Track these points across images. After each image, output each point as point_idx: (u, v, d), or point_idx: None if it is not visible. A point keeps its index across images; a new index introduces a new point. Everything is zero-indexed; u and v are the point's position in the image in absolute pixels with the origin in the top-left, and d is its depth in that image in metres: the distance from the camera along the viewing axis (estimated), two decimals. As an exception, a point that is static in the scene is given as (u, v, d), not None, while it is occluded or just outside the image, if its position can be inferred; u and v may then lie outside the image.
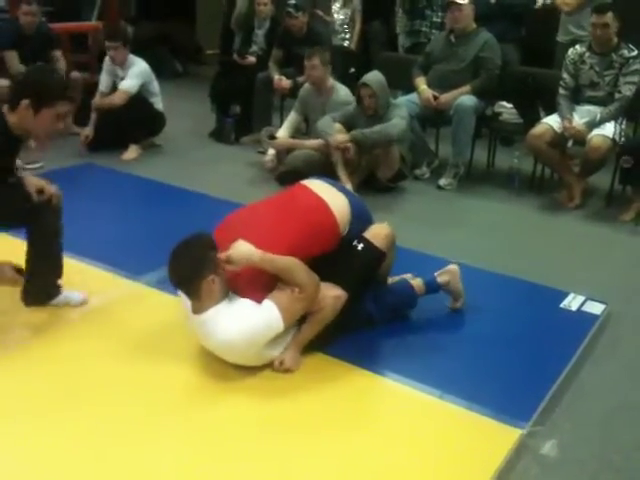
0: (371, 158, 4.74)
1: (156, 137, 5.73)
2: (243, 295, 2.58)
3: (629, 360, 2.91)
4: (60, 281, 3.08)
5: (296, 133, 5.31)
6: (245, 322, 2.50)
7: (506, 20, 5.78)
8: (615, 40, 4.54)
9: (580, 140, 4.57)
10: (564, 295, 3.33)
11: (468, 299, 3.15)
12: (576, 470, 2.27)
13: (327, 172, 4.27)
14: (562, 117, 4.63)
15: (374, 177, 4.81)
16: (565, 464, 2.29)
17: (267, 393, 2.55)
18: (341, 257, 2.80)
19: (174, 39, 9.01)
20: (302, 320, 2.69)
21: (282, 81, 5.66)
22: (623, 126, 4.61)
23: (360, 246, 2.83)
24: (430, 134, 5.54)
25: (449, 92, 4.98)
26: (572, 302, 3.28)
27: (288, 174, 4.64)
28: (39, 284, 3.01)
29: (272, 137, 5.16)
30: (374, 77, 4.65)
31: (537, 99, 5.10)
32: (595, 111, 4.56)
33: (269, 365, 2.65)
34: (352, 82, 5.15)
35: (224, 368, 2.62)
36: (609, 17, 4.46)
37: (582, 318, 3.16)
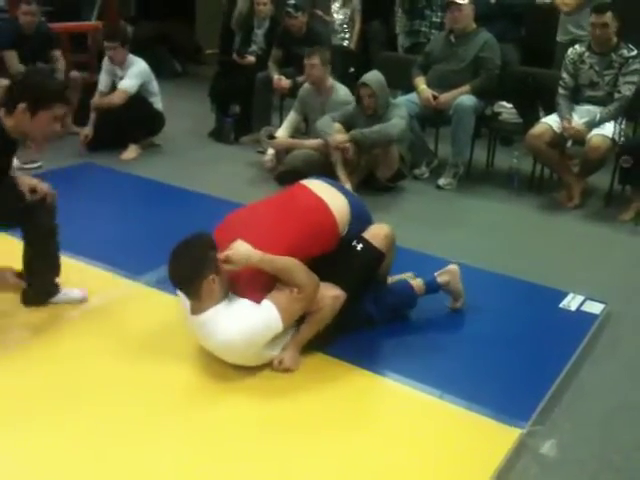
0: (370, 158, 4.74)
1: (155, 137, 5.72)
2: (242, 295, 2.58)
3: (629, 360, 2.91)
4: (58, 279, 3.08)
5: (295, 133, 5.31)
6: (244, 322, 2.50)
7: (506, 20, 5.79)
8: (614, 40, 4.54)
9: (579, 140, 4.57)
10: (563, 295, 3.34)
11: (468, 299, 3.16)
12: (576, 470, 2.27)
13: (326, 172, 4.27)
14: (561, 117, 4.63)
15: (373, 177, 4.81)
16: (565, 464, 2.29)
17: (267, 393, 2.55)
18: (340, 257, 2.80)
19: (173, 39, 9.01)
20: (301, 320, 2.69)
21: (282, 81, 5.66)
22: (623, 126, 4.61)
23: (359, 246, 2.83)
24: (429, 134, 5.54)
25: (449, 92, 4.98)
26: (571, 302, 3.28)
27: (287, 174, 4.64)
28: (38, 284, 3.01)
29: (271, 137, 5.16)
30: (374, 77, 4.65)
31: (537, 99, 5.10)
32: (595, 111, 4.56)
33: (269, 365, 2.65)
34: (351, 82, 5.15)
35: (224, 368, 2.62)
36: (608, 17, 4.46)
37: (581, 318, 3.16)
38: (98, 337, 2.88)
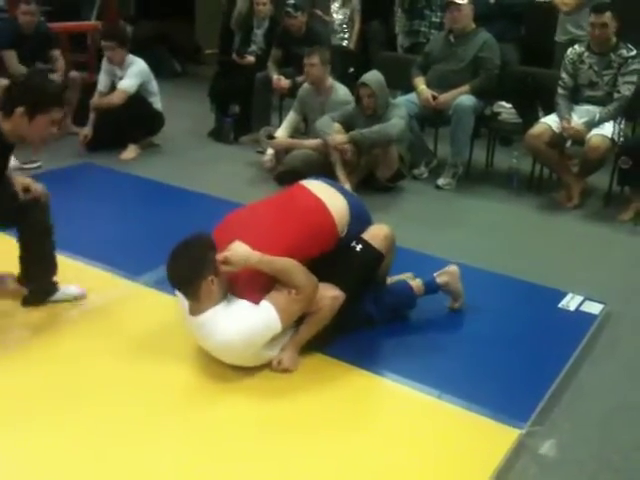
0: (370, 158, 4.74)
1: (155, 137, 5.72)
2: (241, 296, 2.58)
3: (628, 360, 2.91)
4: (56, 277, 3.08)
5: (295, 133, 5.31)
6: (243, 323, 2.50)
7: (505, 20, 5.78)
8: (614, 40, 4.55)
9: (579, 140, 4.57)
10: (562, 295, 3.34)
11: (467, 299, 3.16)
12: (575, 470, 2.27)
13: (326, 172, 4.27)
14: (561, 117, 4.63)
15: (373, 177, 4.81)
16: (564, 464, 2.29)
17: (266, 393, 2.55)
18: (340, 258, 2.80)
19: (173, 39, 9.01)
20: (300, 320, 2.69)
21: (281, 81, 5.66)
22: (622, 126, 4.61)
23: (359, 247, 2.83)
24: (429, 134, 5.54)
25: (448, 92, 4.98)
26: (570, 302, 3.28)
27: (287, 174, 4.64)
28: (36, 284, 3.01)
29: (271, 137, 5.16)
30: (373, 77, 4.65)
31: (536, 99, 5.10)
32: (594, 111, 4.56)
33: (268, 365, 2.65)
34: (351, 82, 5.15)
35: (223, 368, 2.62)
36: (608, 17, 4.46)
37: (580, 318, 3.16)
38: (97, 337, 2.88)
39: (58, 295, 3.09)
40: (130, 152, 5.44)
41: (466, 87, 4.97)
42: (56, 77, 5.63)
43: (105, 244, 3.71)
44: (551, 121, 4.66)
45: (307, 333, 2.70)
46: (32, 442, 2.26)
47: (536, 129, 4.65)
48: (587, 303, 3.27)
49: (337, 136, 4.63)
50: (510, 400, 2.56)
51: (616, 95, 4.55)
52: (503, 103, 5.39)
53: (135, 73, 5.38)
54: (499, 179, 5.19)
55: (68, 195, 4.46)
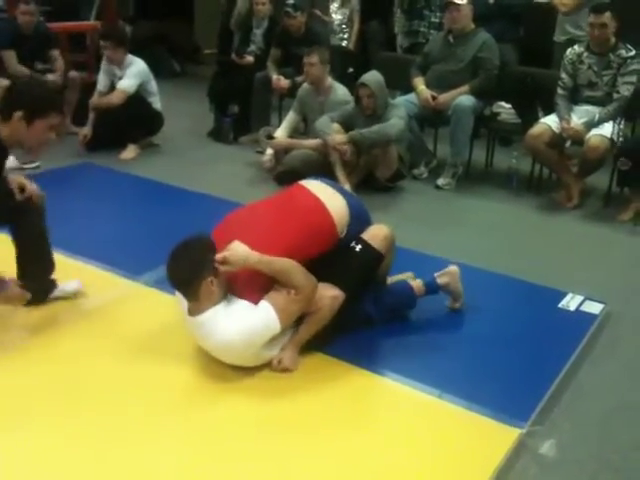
0: (369, 158, 4.74)
1: (154, 137, 5.72)
2: (240, 296, 2.58)
3: (628, 360, 2.91)
4: (54, 275, 3.08)
5: (294, 133, 5.31)
6: (243, 323, 2.50)
7: (504, 20, 5.79)
8: (613, 40, 4.55)
9: (578, 140, 4.57)
10: (562, 295, 3.34)
11: (467, 299, 3.15)
12: (575, 470, 2.27)
13: (325, 172, 4.28)
14: (560, 117, 4.63)
15: (372, 177, 4.81)
16: (564, 464, 2.29)
17: (266, 393, 2.55)
18: (339, 258, 2.80)
19: (172, 39, 9.01)
20: (300, 320, 2.69)
21: (280, 81, 5.67)
22: (621, 126, 4.61)
23: (358, 247, 2.83)
24: (428, 134, 5.55)
25: (447, 92, 4.99)
26: (570, 302, 3.28)
27: (286, 174, 4.64)
28: (35, 285, 3.00)
29: (270, 137, 5.16)
30: (372, 77, 4.65)
31: (535, 99, 5.11)
32: (593, 111, 4.57)
33: (268, 365, 2.65)
34: (350, 82, 5.15)
35: (223, 368, 2.62)
36: (607, 17, 4.46)
37: (581, 318, 3.16)
38: (97, 337, 2.88)
39: (57, 292, 3.09)
40: (129, 152, 5.44)
41: (465, 87, 4.97)
42: (55, 77, 5.65)
43: (105, 244, 3.71)
44: (551, 121, 4.66)
45: (307, 333, 2.70)
46: (32, 442, 2.26)
47: (536, 129, 4.65)
48: (587, 303, 3.27)
49: (336, 136, 4.63)
50: (510, 400, 2.56)
51: (615, 95, 4.55)
52: (502, 103, 5.40)
53: (134, 73, 5.38)
54: (499, 179, 5.19)
55: (68, 195, 4.47)
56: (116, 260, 3.50)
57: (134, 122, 5.37)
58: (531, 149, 4.78)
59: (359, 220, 2.92)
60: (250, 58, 6.11)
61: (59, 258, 3.17)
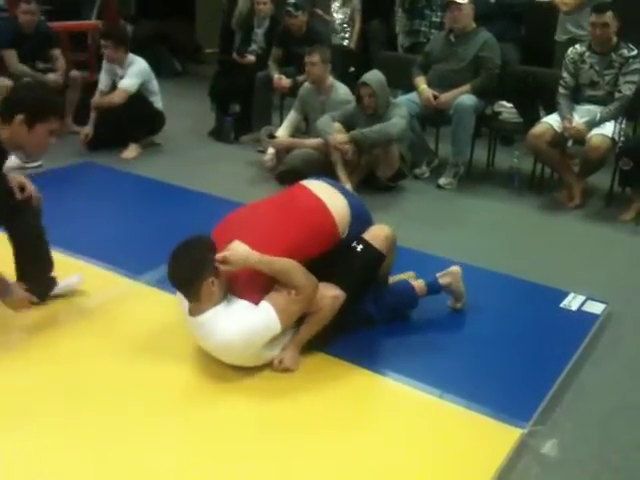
0: (371, 157, 4.74)
1: (156, 136, 5.72)
2: (240, 296, 2.57)
3: (629, 360, 2.91)
4: (53, 273, 3.08)
5: (296, 132, 5.30)
6: (243, 323, 2.50)
7: (506, 19, 5.79)
8: (615, 39, 4.54)
9: (580, 140, 4.57)
10: (564, 295, 3.33)
11: (468, 299, 3.15)
12: (576, 470, 2.27)
13: (327, 171, 4.28)
14: (562, 117, 4.63)
15: (374, 176, 4.81)
16: (565, 464, 2.29)
17: (267, 393, 2.55)
18: (340, 258, 2.80)
19: (173, 38, 9.01)
20: (301, 320, 2.68)
21: (282, 80, 5.66)
22: (623, 125, 4.61)
23: (359, 247, 2.83)
24: (430, 133, 5.54)
25: (449, 91, 4.98)
26: (572, 302, 3.28)
27: (288, 173, 4.64)
28: (35, 285, 3.00)
29: (272, 136, 5.16)
30: (374, 76, 4.65)
31: (537, 98, 5.10)
32: (595, 110, 4.56)
33: (269, 365, 2.65)
34: (352, 81, 5.15)
35: (223, 368, 2.61)
36: (609, 16, 4.45)
37: (582, 318, 3.16)
38: (98, 336, 2.88)
39: (57, 290, 3.09)
40: (131, 151, 5.44)
41: (467, 87, 4.97)
42: (57, 76, 5.65)
43: (106, 243, 3.71)
44: (552, 121, 4.66)
45: (308, 333, 2.70)
46: (32, 442, 2.26)
47: (538, 129, 4.65)
48: (589, 303, 3.26)
49: (338, 135, 4.62)
50: (512, 400, 2.55)
51: (617, 95, 4.55)
52: (504, 103, 5.39)
53: (136, 72, 5.38)
54: (500, 179, 5.19)
55: (69, 194, 4.48)
56: (117, 259, 3.50)
57: (135, 121, 5.37)
58: (533, 148, 4.77)
59: (360, 220, 2.92)
60: (251, 57, 6.11)
61: (60, 257, 3.17)
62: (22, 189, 2.90)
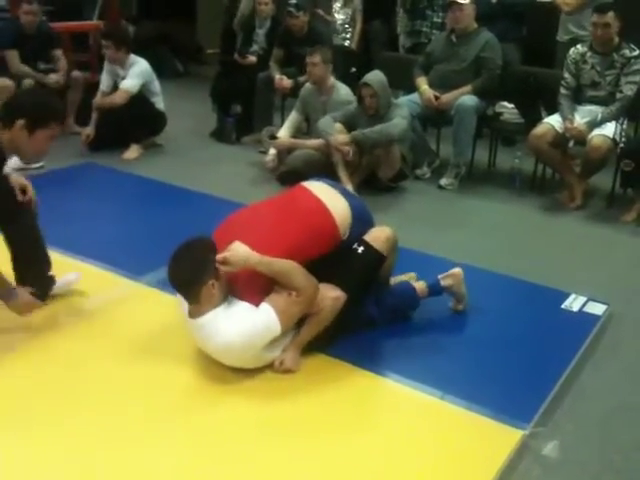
0: (372, 158, 4.74)
1: (157, 137, 5.72)
2: (240, 298, 2.57)
3: (629, 362, 2.91)
4: (51, 272, 3.08)
5: (297, 133, 5.30)
6: (243, 324, 2.50)
7: (507, 20, 5.78)
8: (616, 40, 4.54)
9: (581, 140, 4.56)
10: (565, 296, 3.33)
11: (469, 299, 3.15)
12: (577, 471, 2.27)
13: (328, 172, 4.28)
14: (563, 117, 4.62)
15: (375, 177, 4.81)
16: (566, 465, 2.29)
17: (267, 394, 2.55)
18: (341, 259, 2.80)
19: (175, 39, 9.01)
20: (301, 321, 2.68)
21: (283, 81, 5.66)
22: (624, 126, 4.61)
23: (360, 249, 2.83)
24: (431, 134, 5.54)
25: (450, 92, 4.98)
26: (573, 303, 3.28)
27: (289, 174, 4.65)
28: (35, 286, 3.00)
29: (273, 137, 5.16)
30: (375, 77, 4.65)
31: (538, 99, 5.10)
32: (596, 111, 4.56)
33: (269, 366, 2.65)
34: (353, 82, 5.15)
35: (224, 369, 2.61)
36: (610, 17, 4.45)
37: (583, 319, 3.16)
38: (98, 338, 2.88)
39: (56, 289, 3.09)
40: (132, 152, 5.44)
41: (468, 87, 4.97)
42: (58, 77, 5.65)
43: (107, 244, 3.71)
44: (554, 121, 4.65)
45: (308, 334, 2.69)
46: (32, 443, 2.26)
47: (539, 129, 4.65)
48: (590, 304, 3.26)
49: (339, 136, 4.62)
50: (513, 401, 2.55)
51: (618, 95, 4.55)
52: (505, 103, 5.39)
53: (137, 73, 5.38)
54: (501, 179, 5.18)
55: (70, 195, 4.48)
56: (118, 260, 3.50)
57: (137, 122, 5.38)
58: (534, 149, 4.77)
59: (361, 221, 2.92)
60: (253, 58, 6.11)
61: (61, 258, 3.17)
62: (23, 191, 2.91)
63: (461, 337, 3.06)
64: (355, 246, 2.82)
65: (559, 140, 4.63)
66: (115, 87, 5.48)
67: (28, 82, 5.47)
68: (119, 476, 2.14)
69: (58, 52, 5.83)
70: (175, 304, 2.80)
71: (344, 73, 5.68)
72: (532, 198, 4.84)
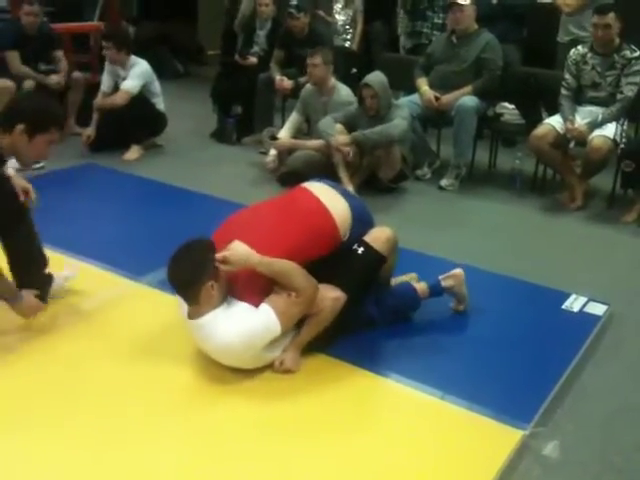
0: (372, 159, 4.74)
1: (158, 137, 5.72)
2: (240, 298, 2.57)
3: (631, 362, 2.90)
4: (48, 270, 3.07)
5: (298, 134, 5.30)
6: (243, 325, 2.49)
7: (508, 21, 5.79)
8: (617, 41, 4.54)
9: (582, 141, 4.56)
10: (566, 296, 3.33)
11: (470, 300, 3.15)
12: (578, 471, 2.27)
13: (329, 173, 4.28)
14: (564, 118, 4.62)
15: (375, 177, 4.81)
16: (567, 465, 2.29)
17: (267, 394, 2.55)
18: (341, 260, 2.80)
19: (175, 39, 9.02)
20: (301, 322, 2.68)
21: (283, 82, 5.66)
22: (624, 127, 4.60)
23: (360, 250, 2.82)
24: (432, 135, 5.55)
25: (451, 93, 4.98)
26: (574, 303, 3.28)
27: (289, 175, 4.65)
28: (34, 286, 2.99)
29: (274, 138, 5.16)
30: (376, 78, 4.65)
31: (539, 100, 5.10)
32: (597, 112, 4.56)
33: (269, 367, 2.65)
34: (354, 83, 5.15)
35: (224, 369, 2.61)
36: (611, 18, 4.45)
37: (584, 319, 3.16)
38: (98, 338, 2.88)
39: (55, 286, 3.09)
40: (133, 153, 5.45)
41: (469, 88, 4.97)
42: (59, 78, 5.65)
43: (108, 244, 3.71)
44: (555, 122, 4.65)
45: (308, 334, 2.69)
46: (32, 444, 2.26)
47: (540, 130, 4.65)
48: (591, 304, 3.26)
49: (340, 137, 4.62)
50: (513, 401, 2.55)
51: (619, 96, 4.55)
52: (506, 104, 5.39)
53: (138, 74, 5.39)
54: (502, 180, 5.18)
55: (71, 195, 4.48)
56: (119, 260, 3.50)
57: (137, 123, 5.38)
58: (535, 150, 4.77)
59: (362, 222, 2.92)
60: (253, 59, 6.11)
61: (62, 259, 3.16)
62: (26, 193, 2.91)
63: (462, 337, 3.06)
64: (355, 247, 2.82)
65: (560, 141, 4.63)
66: (116, 88, 5.48)
67: (29, 83, 5.47)
68: (119, 476, 2.14)
69: (59, 53, 5.83)
70: (176, 304, 2.80)
71: (345, 74, 5.68)
72: (533, 199, 4.84)
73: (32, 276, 2.99)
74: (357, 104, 4.77)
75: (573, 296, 3.33)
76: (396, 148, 4.68)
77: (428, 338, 2.99)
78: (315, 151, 4.80)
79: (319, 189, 2.95)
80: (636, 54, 4.49)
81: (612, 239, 4.22)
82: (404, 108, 4.77)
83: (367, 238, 2.85)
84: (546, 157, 4.79)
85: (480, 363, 2.82)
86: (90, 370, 2.67)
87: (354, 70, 6.16)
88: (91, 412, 2.42)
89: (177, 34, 9.05)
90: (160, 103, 5.59)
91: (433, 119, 5.25)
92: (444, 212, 4.62)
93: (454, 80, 5.02)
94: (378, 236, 2.87)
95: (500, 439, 2.36)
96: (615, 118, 4.53)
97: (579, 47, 4.73)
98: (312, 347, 2.73)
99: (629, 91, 4.52)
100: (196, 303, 2.53)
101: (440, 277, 3.09)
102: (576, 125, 4.55)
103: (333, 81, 5.05)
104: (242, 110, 6.07)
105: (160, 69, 6.09)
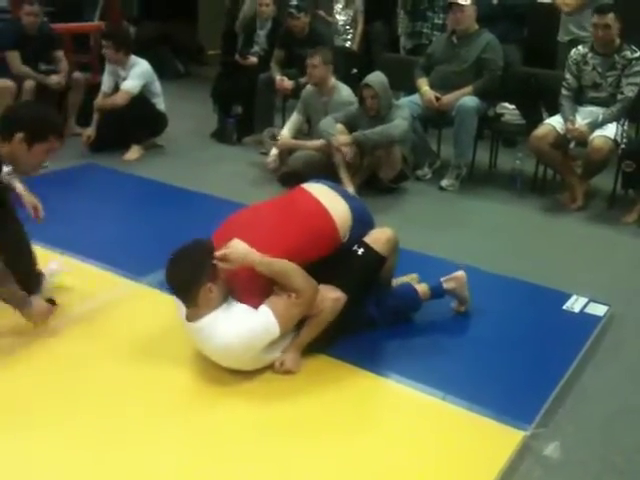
0: (373, 159, 4.74)
1: (158, 137, 5.72)
2: (239, 299, 2.57)
3: (631, 363, 2.90)
4: (37, 267, 3.07)
5: (298, 134, 5.30)
6: (242, 326, 2.49)
7: (508, 21, 5.78)
8: (617, 41, 4.54)
9: (582, 141, 4.56)
10: (567, 297, 3.33)
11: (471, 301, 3.14)
12: (579, 472, 2.27)
13: (329, 173, 4.28)
14: (565, 118, 4.62)
15: (376, 178, 4.81)
16: (568, 466, 2.29)
17: (267, 395, 2.54)
18: (341, 261, 2.80)
19: (176, 39, 9.02)
20: (302, 322, 2.68)
21: (284, 82, 5.66)
22: (625, 127, 4.60)
23: (360, 251, 2.82)
24: (432, 135, 5.55)
25: (451, 93, 4.98)
26: (575, 304, 3.27)
27: (290, 175, 4.65)
28: (25, 285, 2.98)
29: (274, 138, 5.16)
30: (376, 78, 4.65)
31: (539, 100, 5.10)
32: (597, 112, 4.56)
33: (269, 367, 2.65)
34: (354, 83, 5.15)
35: (223, 371, 2.61)
36: (610, 18, 4.45)
37: (585, 320, 3.15)
38: (98, 338, 2.88)
39: (45, 285, 3.08)
40: (133, 153, 5.45)
41: (469, 88, 4.96)
42: (59, 78, 5.65)
43: (108, 244, 3.71)
44: (555, 122, 4.65)
45: (308, 335, 2.69)
46: (33, 444, 2.26)
47: (541, 130, 4.64)
48: (591, 305, 3.26)
49: (340, 137, 4.62)
50: (514, 402, 2.55)
51: (619, 96, 4.54)
52: (506, 104, 5.39)
53: (138, 74, 5.38)
54: (502, 180, 5.18)
55: (71, 195, 4.48)
56: (119, 261, 3.50)
57: (138, 123, 5.38)
58: (535, 150, 4.77)
59: (362, 223, 2.91)
60: (254, 59, 6.11)
61: (62, 259, 3.16)
62: (35, 210, 2.93)
63: (462, 338, 3.06)
64: (355, 248, 2.82)
65: (560, 141, 4.63)
66: (116, 88, 5.48)
67: (29, 83, 5.47)
68: (119, 477, 2.14)
69: (59, 53, 5.83)
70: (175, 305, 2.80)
71: (345, 74, 5.68)
72: (533, 199, 4.84)
73: (22, 274, 2.97)
74: (357, 104, 4.77)
75: (574, 297, 3.32)
76: (397, 148, 4.68)
77: (429, 339, 2.99)
78: (316, 151, 4.80)
79: (319, 190, 2.94)
80: (636, 55, 4.49)
81: (612, 239, 4.22)
82: (404, 108, 4.77)
83: (367, 239, 2.85)
84: (546, 157, 4.79)
85: (481, 364, 2.82)
86: (90, 371, 2.67)
87: (354, 70, 6.15)
88: (91, 413, 2.42)
89: (178, 34, 9.05)
90: (160, 103, 5.59)
91: (433, 119, 5.25)
92: (445, 212, 4.62)
93: (454, 80, 5.02)
94: (378, 237, 2.87)
95: (501, 440, 2.36)
96: (616, 118, 4.52)
97: (580, 47, 4.73)
98: (312, 348, 2.73)
99: (630, 91, 4.51)
100: (194, 305, 2.53)
101: (442, 279, 3.08)
102: (577, 125, 4.54)
103: (333, 81, 5.05)
104: (242, 110, 6.07)
105: (161, 69, 6.09)
